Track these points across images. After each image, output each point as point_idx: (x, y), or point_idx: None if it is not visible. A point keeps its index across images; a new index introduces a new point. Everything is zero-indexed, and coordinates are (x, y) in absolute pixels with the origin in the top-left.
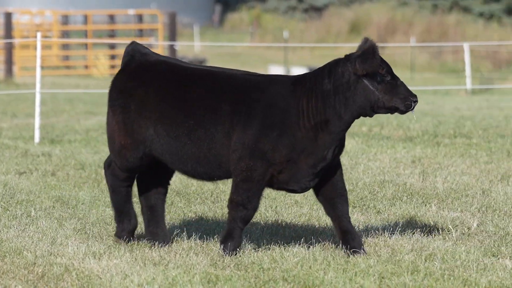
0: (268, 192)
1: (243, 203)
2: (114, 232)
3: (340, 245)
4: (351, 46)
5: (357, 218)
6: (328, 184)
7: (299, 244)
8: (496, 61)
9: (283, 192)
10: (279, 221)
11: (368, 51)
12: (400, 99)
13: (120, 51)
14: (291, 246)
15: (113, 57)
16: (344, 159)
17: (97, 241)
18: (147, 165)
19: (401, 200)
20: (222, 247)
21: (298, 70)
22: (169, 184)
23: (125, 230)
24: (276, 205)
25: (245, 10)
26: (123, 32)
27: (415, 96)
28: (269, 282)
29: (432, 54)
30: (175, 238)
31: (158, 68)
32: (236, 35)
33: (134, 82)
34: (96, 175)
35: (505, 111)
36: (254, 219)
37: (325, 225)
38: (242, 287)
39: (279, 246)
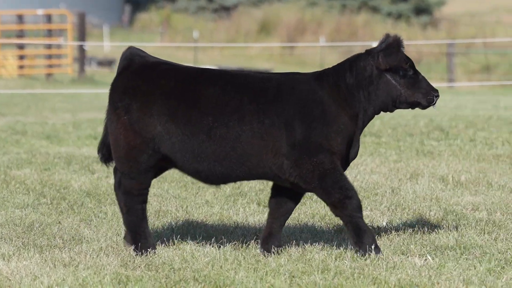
0: (178, 191)
1: (345, 195)
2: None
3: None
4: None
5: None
6: (291, 192)
7: (210, 244)
8: None
9: (194, 192)
10: (190, 221)
11: (393, 45)
12: (422, 94)
13: (29, 51)
14: (202, 246)
15: (21, 57)
16: None
17: (6, 243)
18: (155, 168)
19: (312, 199)
20: (360, 246)
21: None
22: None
23: (141, 250)
24: (187, 205)
25: (155, 10)
26: (31, 32)
27: (436, 90)
28: (180, 282)
29: (341, 54)
30: (85, 239)
31: (161, 68)
32: (146, 35)
33: (137, 82)
34: (5, 176)
35: (414, 110)
36: (164, 219)
37: (236, 225)
38: None
39: (190, 246)
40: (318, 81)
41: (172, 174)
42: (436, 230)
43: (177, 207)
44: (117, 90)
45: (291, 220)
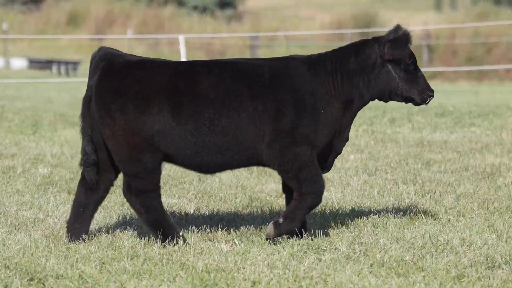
0: None
1: (314, 190)
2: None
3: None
4: (70, 38)
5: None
6: None
7: (21, 232)
8: (210, 52)
9: (5, 181)
10: (0, 210)
11: (401, 39)
12: (417, 91)
13: None
14: (13, 234)
15: None
16: None
17: None
18: (161, 166)
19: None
20: (280, 227)
21: (18, 61)
22: (111, 187)
23: (174, 240)
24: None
25: None
26: None
27: (432, 90)
28: None
29: (149, 46)
30: None
31: (150, 65)
32: None
33: (127, 81)
34: None
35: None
36: None
37: (47, 213)
38: None
39: (1, 234)
40: (314, 67)
41: None
42: (242, 216)
43: None
44: (106, 92)
45: (101, 208)
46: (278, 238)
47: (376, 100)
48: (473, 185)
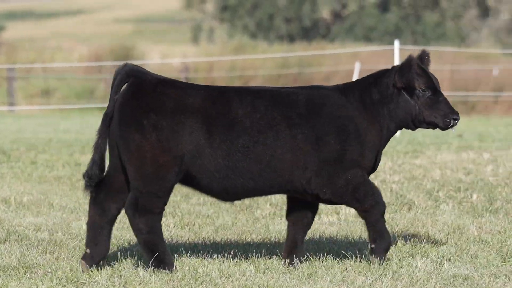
0: None
1: (376, 200)
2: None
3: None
4: None
5: None
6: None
7: None
8: None
9: None
10: None
11: (405, 65)
12: (440, 116)
13: None
14: None
15: None
16: None
17: None
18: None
19: None
20: (379, 250)
21: None
22: (122, 208)
23: (168, 264)
24: None
25: None
26: None
27: (456, 113)
28: None
29: None
30: None
31: (181, 86)
32: None
33: (161, 99)
34: None
35: None
36: None
37: None
38: None
39: None
40: (344, 95)
41: None
42: None
43: None
44: (139, 107)
45: None
46: (386, 257)
47: None
48: (231, 217)
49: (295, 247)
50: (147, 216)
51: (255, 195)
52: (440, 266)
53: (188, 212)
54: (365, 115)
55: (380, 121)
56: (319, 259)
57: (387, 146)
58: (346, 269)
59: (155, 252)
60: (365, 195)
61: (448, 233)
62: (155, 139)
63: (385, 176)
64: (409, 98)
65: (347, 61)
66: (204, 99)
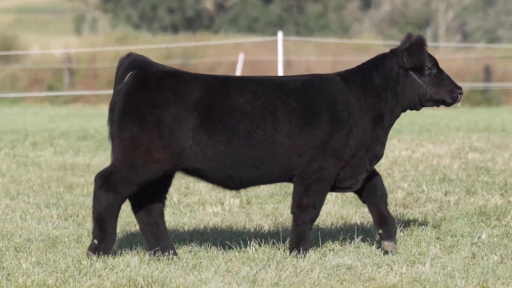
0: None
1: (314, 204)
2: (89, 246)
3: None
4: None
5: None
6: (371, 186)
7: None
8: None
9: None
10: None
11: (416, 45)
12: (446, 92)
13: None
14: None
15: None
16: None
17: None
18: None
19: None
20: (296, 252)
21: None
22: (166, 197)
23: (105, 249)
24: None
25: None
26: None
27: (460, 88)
28: None
29: None
30: None
31: (186, 78)
32: None
33: (166, 94)
34: None
35: None
36: None
37: None
38: None
39: None
40: (345, 81)
41: None
42: None
43: None
44: (142, 101)
45: None
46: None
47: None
48: None
49: (384, 219)
50: (112, 194)
51: (260, 183)
52: (324, 256)
53: (72, 203)
54: (363, 103)
55: (382, 105)
56: (204, 249)
57: None
58: (231, 259)
59: (102, 230)
60: (316, 191)
61: (332, 223)
62: (156, 135)
63: None
64: (416, 78)
65: (231, 52)
66: (208, 91)
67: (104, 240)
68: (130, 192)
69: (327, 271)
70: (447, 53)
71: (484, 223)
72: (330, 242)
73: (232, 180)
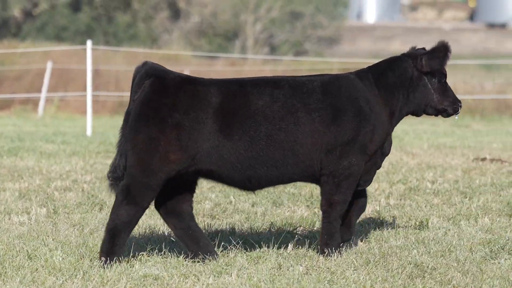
0: None
1: (345, 200)
2: (100, 252)
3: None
4: None
5: None
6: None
7: None
8: None
9: None
10: None
11: (441, 49)
12: (449, 102)
13: None
14: None
15: None
16: None
17: None
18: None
19: None
20: (329, 249)
21: None
22: (193, 201)
23: (114, 257)
24: None
25: None
26: None
27: (460, 101)
28: None
29: None
30: None
31: (203, 83)
32: None
33: (185, 98)
34: None
35: None
36: None
37: None
38: None
39: None
40: (361, 80)
41: None
42: None
43: None
44: (162, 106)
45: None
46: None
47: None
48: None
49: (349, 227)
50: (134, 207)
51: (278, 183)
52: (131, 266)
53: None
54: (379, 98)
55: (394, 104)
56: (9, 259)
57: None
58: (37, 269)
59: (113, 238)
60: (346, 188)
61: (139, 233)
62: (175, 137)
63: (77, 176)
64: (428, 83)
65: (39, 60)
66: (225, 95)
67: (111, 253)
68: (150, 200)
69: (134, 281)
70: (255, 65)
71: (290, 234)
72: (137, 252)
73: (250, 180)
